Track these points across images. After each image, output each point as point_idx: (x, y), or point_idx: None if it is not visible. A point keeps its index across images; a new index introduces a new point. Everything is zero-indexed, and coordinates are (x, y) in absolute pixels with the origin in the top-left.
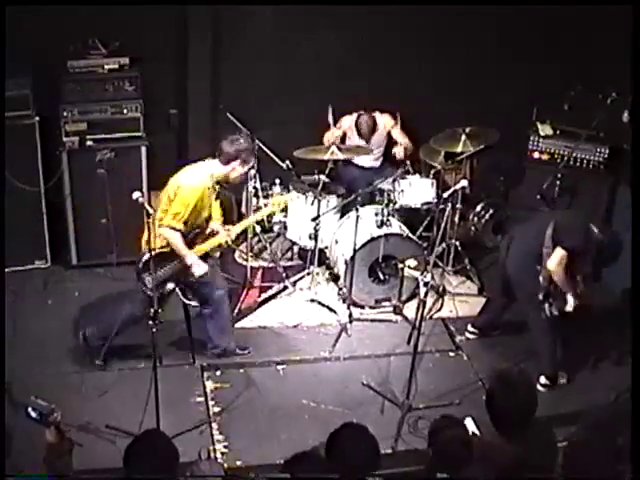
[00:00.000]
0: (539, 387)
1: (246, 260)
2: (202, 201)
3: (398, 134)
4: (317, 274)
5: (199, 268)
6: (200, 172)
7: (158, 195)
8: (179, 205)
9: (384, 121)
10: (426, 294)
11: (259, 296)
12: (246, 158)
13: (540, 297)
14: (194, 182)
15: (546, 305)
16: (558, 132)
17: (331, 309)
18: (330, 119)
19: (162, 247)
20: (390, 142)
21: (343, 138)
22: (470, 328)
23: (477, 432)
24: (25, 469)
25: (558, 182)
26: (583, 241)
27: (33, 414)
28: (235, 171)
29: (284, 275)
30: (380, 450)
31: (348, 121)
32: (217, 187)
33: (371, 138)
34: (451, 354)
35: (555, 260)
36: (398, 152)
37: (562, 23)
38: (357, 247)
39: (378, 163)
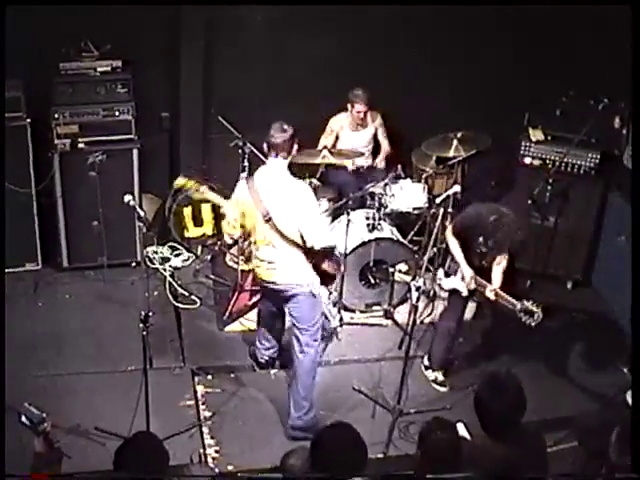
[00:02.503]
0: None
1: (237, 263)
2: None
3: (381, 135)
4: None
5: None
6: None
7: (149, 198)
8: None
9: (375, 120)
10: (418, 299)
11: (250, 299)
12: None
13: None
14: None
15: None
16: (550, 138)
17: (322, 313)
18: None
19: None
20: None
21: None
22: (426, 362)
23: (468, 436)
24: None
25: (549, 187)
26: (464, 224)
27: (24, 420)
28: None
29: None
30: (367, 448)
31: (337, 121)
32: None
33: (367, 120)
34: None
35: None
36: (379, 162)
37: (555, 28)
38: (348, 251)
39: (369, 161)
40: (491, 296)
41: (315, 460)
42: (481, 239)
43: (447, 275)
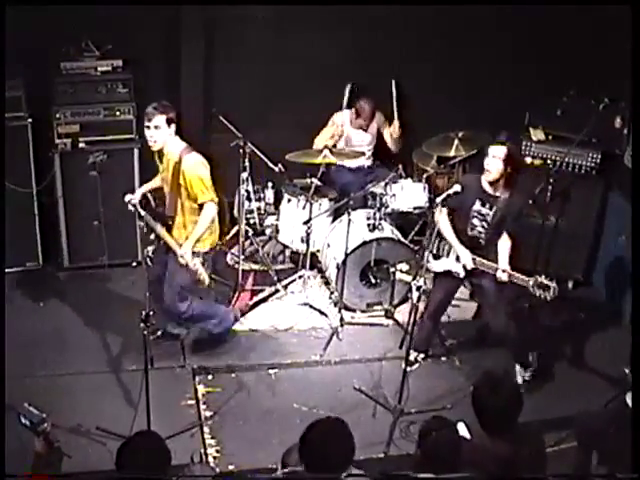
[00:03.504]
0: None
1: (238, 263)
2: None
3: (387, 129)
4: (309, 277)
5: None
6: None
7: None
8: None
9: (377, 118)
10: (419, 298)
11: (251, 299)
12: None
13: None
14: None
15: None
16: (550, 137)
17: (322, 313)
18: (345, 99)
19: None
20: (380, 141)
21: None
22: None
23: (468, 436)
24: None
25: (550, 187)
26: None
27: (23, 421)
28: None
29: (276, 278)
30: (354, 443)
31: (340, 117)
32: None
33: (370, 124)
34: (443, 358)
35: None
36: (391, 144)
37: (556, 27)
38: (349, 251)
39: (370, 162)
40: (504, 277)
41: (303, 454)
42: (478, 204)
43: (436, 257)
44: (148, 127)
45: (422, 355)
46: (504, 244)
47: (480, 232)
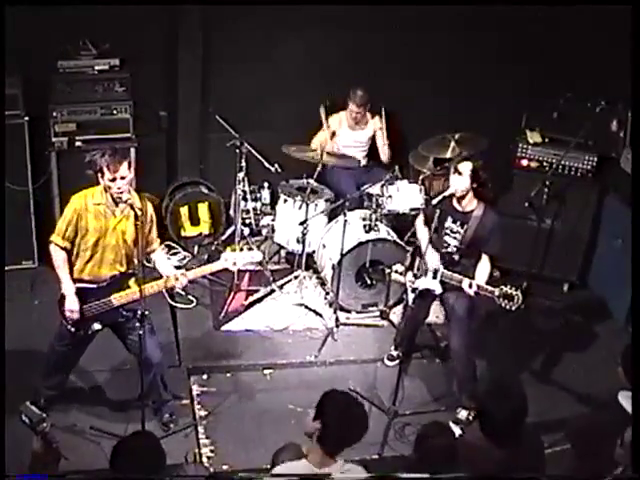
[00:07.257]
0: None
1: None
2: (83, 219)
3: (381, 137)
4: (304, 278)
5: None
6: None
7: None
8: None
9: (373, 120)
10: (414, 300)
11: (246, 299)
12: (101, 167)
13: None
14: (76, 194)
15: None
16: (547, 140)
17: (318, 313)
18: (323, 119)
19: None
20: (376, 143)
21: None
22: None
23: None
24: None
25: (546, 190)
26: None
27: (24, 419)
28: (108, 185)
29: (271, 279)
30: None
31: (336, 119)
32: (115, 207)
33: (366, 124)
34: (437, 360)
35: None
36: (382, 156)
37: (553, 29)
38: (344, 252)
39: (364, 162)
40: (470, 291)
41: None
42: (449, 221)
43: (416, 277)
44: (114, 179)
45: (400, 353)
46: (483, 267)
47: (453, 250)
